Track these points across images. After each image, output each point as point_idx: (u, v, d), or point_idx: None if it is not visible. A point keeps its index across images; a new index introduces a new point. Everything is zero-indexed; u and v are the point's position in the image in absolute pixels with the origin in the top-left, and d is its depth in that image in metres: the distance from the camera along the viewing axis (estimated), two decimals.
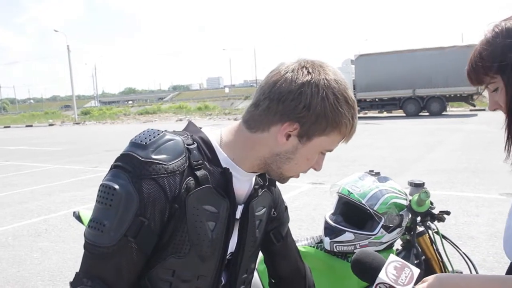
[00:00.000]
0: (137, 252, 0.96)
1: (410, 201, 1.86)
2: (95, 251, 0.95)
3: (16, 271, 4.60)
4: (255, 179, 1.16)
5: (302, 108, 0.97)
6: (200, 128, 1.12)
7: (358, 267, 1.22)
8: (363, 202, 1.81)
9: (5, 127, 38.86)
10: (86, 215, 2.07)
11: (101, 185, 0.97)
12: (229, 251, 1.12)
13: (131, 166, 0.95)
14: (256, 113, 1.02)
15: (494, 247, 4.46)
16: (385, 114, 26.37)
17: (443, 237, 1.91)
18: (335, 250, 1.85)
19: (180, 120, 34.53)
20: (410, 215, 1.84)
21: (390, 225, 1.81)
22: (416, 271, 1.17)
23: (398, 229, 1.83)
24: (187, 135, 1.06)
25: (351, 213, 1.87)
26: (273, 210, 1.27)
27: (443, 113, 23.97)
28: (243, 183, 1.10)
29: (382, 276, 1.13)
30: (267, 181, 1.20)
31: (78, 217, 2.06)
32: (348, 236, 1.82)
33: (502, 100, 1.18)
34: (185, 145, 1.01)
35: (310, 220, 5.68)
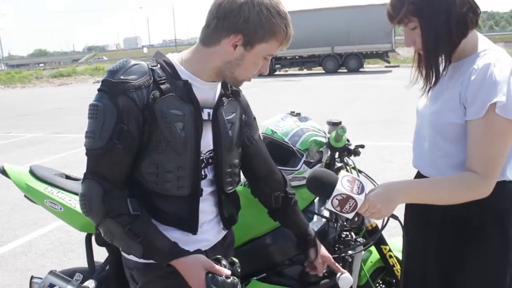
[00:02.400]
0: (123, 152, 1.25)
1: (328, 138, 2.01)
2: (92, 154, 1.26)
3: None
4: (220, 91, 1.41)
5: (242, 22, 1.23)
6: (161, 52, 1.38)
7: (314, 184, 1.37)
8: (286, 140, 1.94)
9: None
10: (12, 169, 2.03)
11: (89, 105, 1.25)
12: (208, 149, 1.39)
13: (107, 87, 1.24)
14: (209, 31, 1.29)
15: None
16: (305, 71, 26.96)
17: (359, 171, 2.10)
18: None
19: (98, 82, 32.87)
20: (329, 152, 2.01)
21: (311, 161, 1.96)
22: (366, 183, 1.36)
23: (319, 165, 1.98)
24: (153, 59, 1.33)
25: (275, 152, 1.98)
26: (243, 115, 1.51)
27: (361, 69, 24.96)
28: (204, 91, 1.35)
29: (339, 187, 1.29)
30: (229, 90, 1.45)
31: (3, 171, 2.02)
32: None
33: (418, 37, 1.37)
34: (149, 67, 1.28)
35: None
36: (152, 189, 1.33)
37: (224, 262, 1.31)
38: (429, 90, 1.45)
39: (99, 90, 1.26)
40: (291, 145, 1.93)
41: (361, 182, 1.34)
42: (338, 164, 2.06)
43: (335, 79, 20.75)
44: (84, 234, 1.97)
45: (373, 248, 2.25)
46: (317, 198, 2.01)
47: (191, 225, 1.39)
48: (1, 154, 8.24)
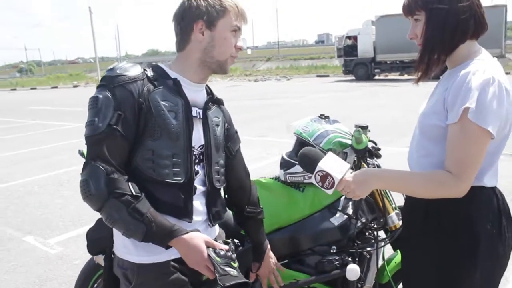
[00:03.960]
0: (121, 137, 1.37)
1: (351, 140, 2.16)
2: (92, 140, 1.37)
3: (41, 214, 5.15)
4: (207, 97, 1.59)
5: (195, 9, 1.46)
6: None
7: (303, 160, 1.57)
8: (311, 140, 2.13)
9: (31, 88, 39.81)
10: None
11: (89, 98, 1.40)
12: (199, 144, 1.53)
13: (106, 81, 1.40)
14: (178, 38, 1.51)
15: None
16: (405, 76, 26.05)
17: None
18: (288, 180, 2.19)
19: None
20: (354, 154, 2.16)
21: None
22: (347, 165, 1.53)
23: None
24: (143, 64, 1.52)
25: None
26: (226, 124, 1.68)
27: None
28: (192, 91, 1.52)
29: (321, 164, 1.49)
30: (214, 97, 1.64)
31: (82, 154, 2.43)
32: (298, 168, 2.14)
33: (419, 31, 1.54)
34: (142, 67, 1.47)
35: None
36: (149, 175, 1.41)
37: (219, 240, 1.50)
38: (417, 82, 1.61)
39: (98, 86, 1.42)
40: (314, 144, 2.11)
41: (343, 164, 1.51)
42: (365, 166, 2.20)
43: None
44: None
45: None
46: (344, 196, 2.18)
47: (186, 213, 1.47)
48: None
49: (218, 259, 1.36)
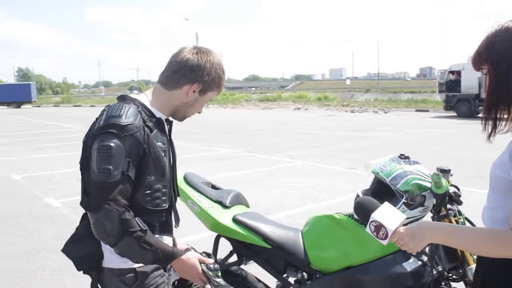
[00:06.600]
0: (129, 180, 1.57)
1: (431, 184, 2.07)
2: (106, 186, 1.52)
3: None
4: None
5: (205, 75, 1.67)
6: (129, 95, 1.74)
7: (358, 209, 1.58)
8: (387, 180, 2.08)
9: None
10: None
11: (99, 146, 1.53)
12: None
13: (116, 129, 1.54)
14: (175, 77, 1.68)
15: None
16: None
17: (466, 219, 2.09)
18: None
19: (298, 109, 34.91)
20: (433, 198, 2.07)
21: (412, 203, 2.05)
22: (403, 217, 1.50)
23: (421, 208, 2.07)
24: (131, 102, 1.66)
25: (381, 190, 2.14)
26: None
27: None
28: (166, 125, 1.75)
29: (374, 215, 1.49)
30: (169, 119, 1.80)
31: None
32: None
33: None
34: (137, 109, 1.61)
35: None
36: (146, 207, 1.64)
37: (203, 254, 1.79)
38: (489, 138, 1.47)
39: (106, 132, 1.54)
40: (391, 185, 2.06)
41: (399, 215, 1.47)
42: (445, 212, 2.10)
43: None
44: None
45: None
46: None
47: (169, 230, 1.78)
48: (198, 165, 9.58)
49: (210, 273, 1.69)
